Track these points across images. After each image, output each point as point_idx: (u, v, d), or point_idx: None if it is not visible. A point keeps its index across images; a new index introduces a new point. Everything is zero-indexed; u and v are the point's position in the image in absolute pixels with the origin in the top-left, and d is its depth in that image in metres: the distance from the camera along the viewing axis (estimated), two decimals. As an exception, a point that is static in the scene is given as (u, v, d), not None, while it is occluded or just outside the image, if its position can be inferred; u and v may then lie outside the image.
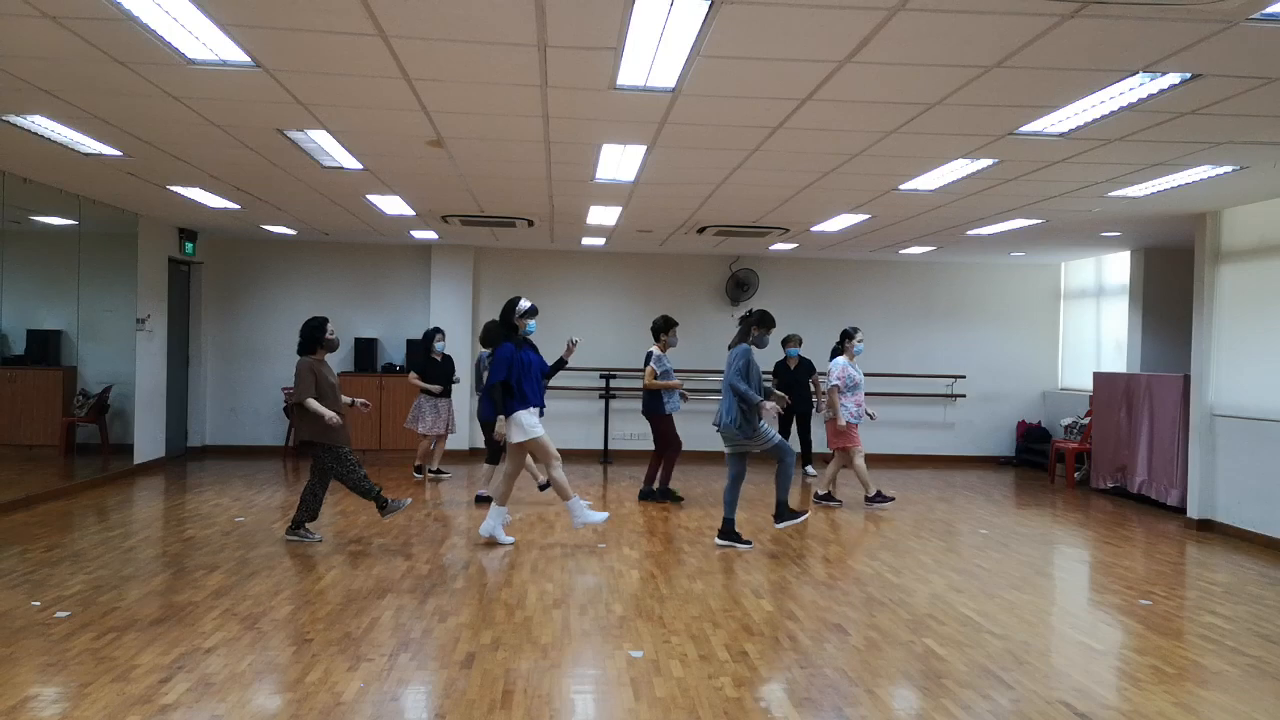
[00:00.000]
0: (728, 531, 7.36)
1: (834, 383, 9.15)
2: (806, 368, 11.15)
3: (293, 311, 12.77)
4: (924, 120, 5.53)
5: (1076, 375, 12.98)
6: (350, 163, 7.19)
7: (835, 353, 9.40)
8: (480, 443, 10.69)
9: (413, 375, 10.25)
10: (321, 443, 7.12)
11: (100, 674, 4.27)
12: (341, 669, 4.42)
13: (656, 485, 9.36)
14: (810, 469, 11.47)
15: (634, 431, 12.29)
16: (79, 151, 6.95)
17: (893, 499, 9.46)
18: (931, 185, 7.50)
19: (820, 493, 9.45)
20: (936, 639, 5.14)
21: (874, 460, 12.79)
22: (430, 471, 10.55)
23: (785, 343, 10.93)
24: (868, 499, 9.33)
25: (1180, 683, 4.58)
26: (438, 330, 10.42)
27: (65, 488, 9.27)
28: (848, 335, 9.37)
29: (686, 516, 8.67)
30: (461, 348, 12.55)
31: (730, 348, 7.49)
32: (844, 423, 9.10)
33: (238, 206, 9.48)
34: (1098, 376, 11.14)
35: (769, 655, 4.82)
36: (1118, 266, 12.07)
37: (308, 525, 7.28)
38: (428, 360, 10.30)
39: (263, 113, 5.77)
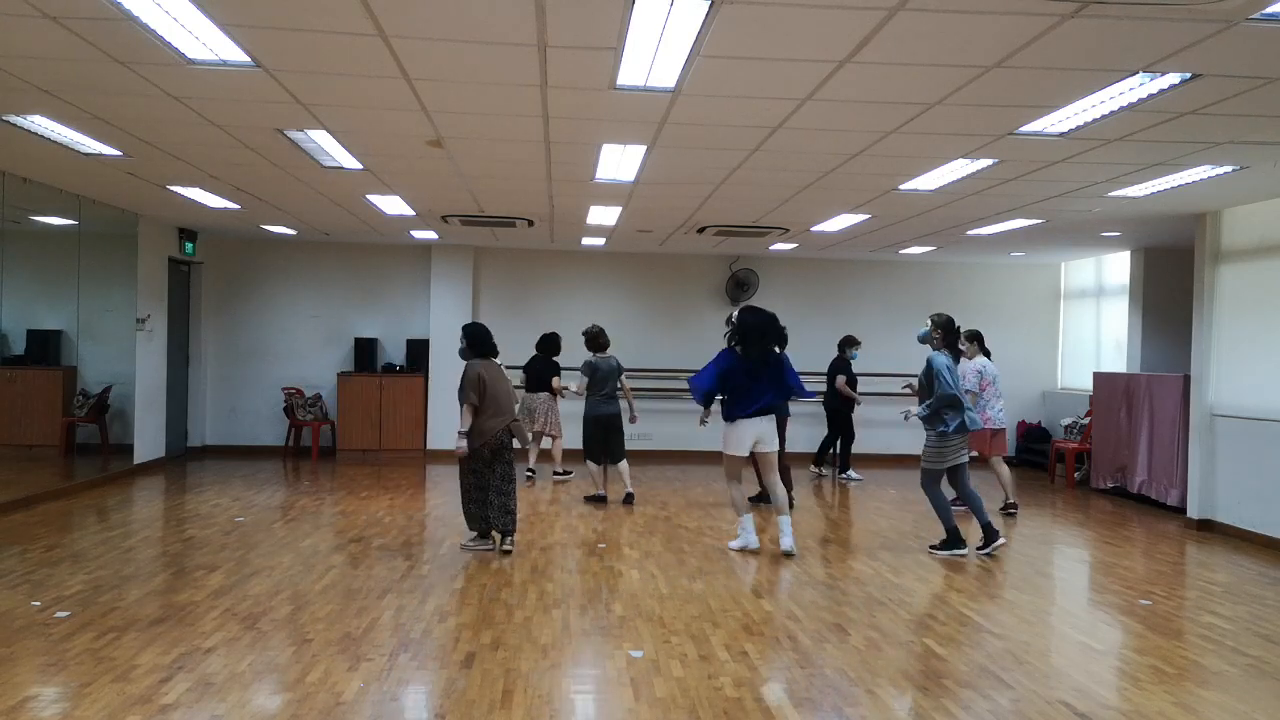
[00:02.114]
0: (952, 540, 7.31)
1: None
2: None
3: (293, 311, 12.79)
4: (924, 120, 5.53)
5: (1076, 375, 12.97)
6: (350, 163, 7.19)
7: (971, 355, 9.13)
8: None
9: (559, 380, 10.28)
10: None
11: (100, 674, 4.27)
12: (341, 669, 4.42)
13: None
14: (853, 473, 11.41)
15: (634, 431, 12.29)
16: (79, 151, 6.94)
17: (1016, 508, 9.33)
18: (931, 185, 7.50)
19: (1009, 500, 9.28)
20: (936, 639, 5.14)
21: (874, 460, 12.82)
22: (557, 473, 10.65)
23: (851, 344, 11.08)
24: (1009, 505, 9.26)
25: (1180, 683, 4.58)
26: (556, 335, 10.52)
27: (65, 488, 9.27)
28: (981, 337, 9.25)
29: (687, 516, 8.66)
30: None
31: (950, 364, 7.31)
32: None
33: (238, 206, 9.48)
34: (1098, 376, 11.14)
35: (769, 655, 4.82)
36: (1118, 266, 12.07)
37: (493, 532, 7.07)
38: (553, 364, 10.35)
39: (263, 113, 5.77)
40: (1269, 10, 3.74)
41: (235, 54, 4.64)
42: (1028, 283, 13.47)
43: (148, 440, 10.93)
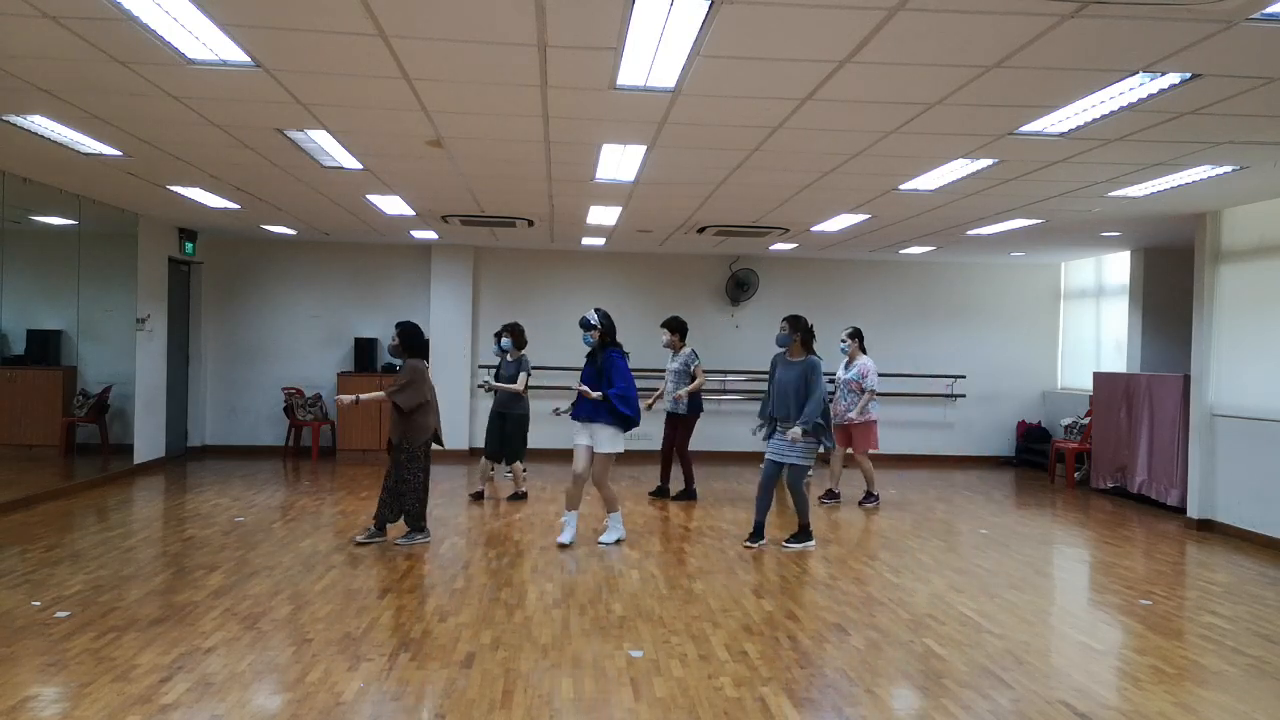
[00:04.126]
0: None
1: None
2: None
3: (293, 311, 12.79)
4: (924, 120, 5.53)
5: (1076, 375, 12.97)
6: (350, 163, 7.19)
7: (853, 353, 9.56)
8: (480, 442, 10.73)
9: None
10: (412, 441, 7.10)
11: (100, 674, 4.27)
12: (341, 669, 4.42)
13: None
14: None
15: (634, 432, 12.26)
16: (79, 151, 6.94)
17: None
18: (931, 185, 7.50)
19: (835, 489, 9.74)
20: (936, 639, 5.14)
21: (873, 460, 12.79)
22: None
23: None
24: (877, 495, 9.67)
25: (1180, 683, 4.58)
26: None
27: (65, 488, 9.27)
28: (862, 334, 9.69)
29: (686, 516, 8.67)
30: (463, 347, 12.57)
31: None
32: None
33: (238, 206, 9.48)
34: (1098, 376, 11.14)
35: (769, 655, 4.82)
36: (1118, 266, 12.07)
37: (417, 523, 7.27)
38: None
39: (263, 113, 5.77)
40: (1269, 10, 3.74)
41: (235, 54, 4.63)
42: (1028, 283, 13.47)
43: (148, 440, 10.93)
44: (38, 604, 5.34)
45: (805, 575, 6.55)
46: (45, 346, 10.37)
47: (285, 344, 12.80)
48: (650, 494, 9.69)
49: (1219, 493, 8.60)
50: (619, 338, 7.35)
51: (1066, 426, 12.00)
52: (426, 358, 7.31)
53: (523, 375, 8.98)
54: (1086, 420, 11.52)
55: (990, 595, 6.12)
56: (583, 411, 7.16)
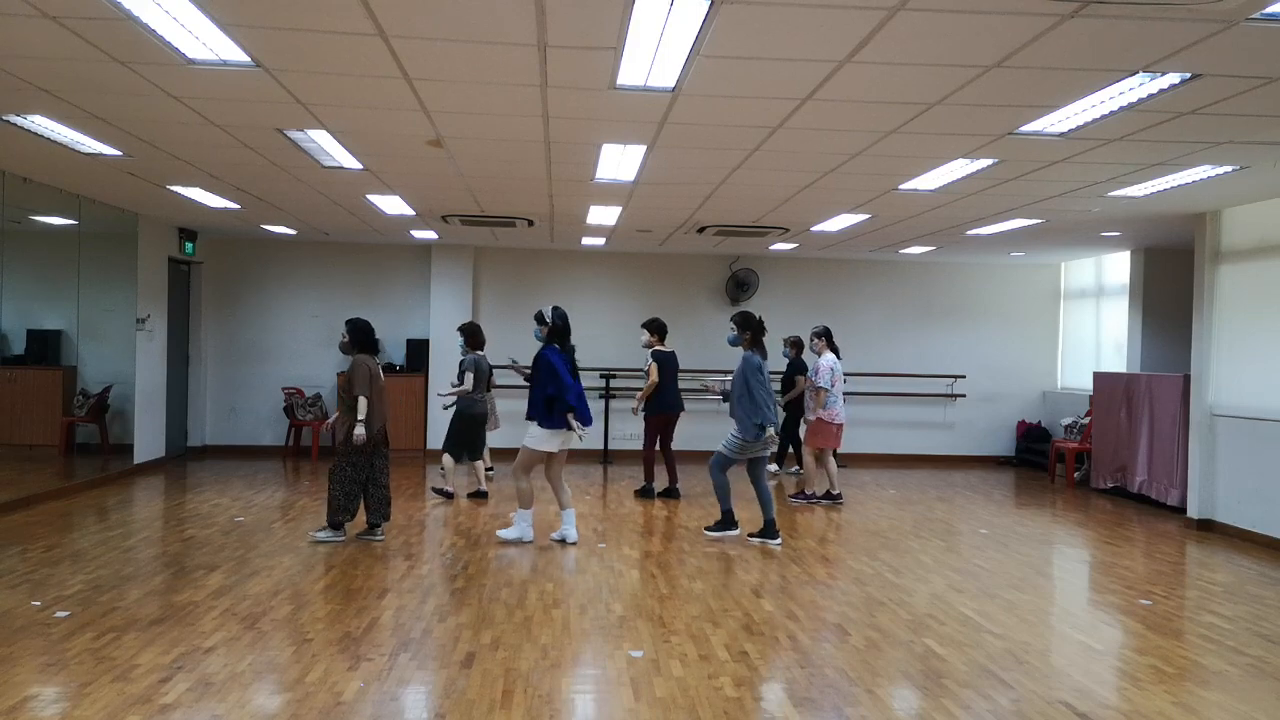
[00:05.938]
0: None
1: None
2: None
3: (293, 311, 12.79)
4: (924, 120, 5.53)
5: (1076, 375, 12.97)
6: (350, 163, 7.19)
7: (820, 351, 9.57)
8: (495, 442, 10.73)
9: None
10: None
11: (100, 674, 4.27)
12: (341, 669, 4.42)
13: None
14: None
15: (634, 432, 12.29)
16: (79, 151, 6.94)
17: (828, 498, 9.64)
18: (931, 185, 7.50)
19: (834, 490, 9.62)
20: (936, 639, 5.14)
21: (873, 460, 12.84)
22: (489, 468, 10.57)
23: (794, 344, 11.20)
24: (815, 496, 9.59)
25: (1180, 683, 4.58)
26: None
27: (65, 488, 9.27)
28: (830, 333, 9.67)
29: (686, 516, 8.67)
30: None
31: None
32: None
33: (238, 206, 9.48)
34: (1098, 376, 11.14)
35: (769, 655, 4.82)
36: (1118, 266, 12.07)
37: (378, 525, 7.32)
38: None
39: (263, 113, 5.77)
40: (1269, 10, 3.74)
41: (235, 54, 4.64)
42: (1028, 283, 13.47)
43: (147, 440, 10.93)
44: (38, 604, 5.35)
45: (805, 575, 6.55)
46: (45, 346, 10.37)
47: (285, 344, 12.80)
48: (659, 495, 9.66)
49: (1219, 493, 8.60)
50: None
51: (1066, 426, 12.00)
52: (375, 354, 7.26)
53: (468, 376, 8.97)
54: (1086, 420, 11.52)
55: (990, 595, 6.12)
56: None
